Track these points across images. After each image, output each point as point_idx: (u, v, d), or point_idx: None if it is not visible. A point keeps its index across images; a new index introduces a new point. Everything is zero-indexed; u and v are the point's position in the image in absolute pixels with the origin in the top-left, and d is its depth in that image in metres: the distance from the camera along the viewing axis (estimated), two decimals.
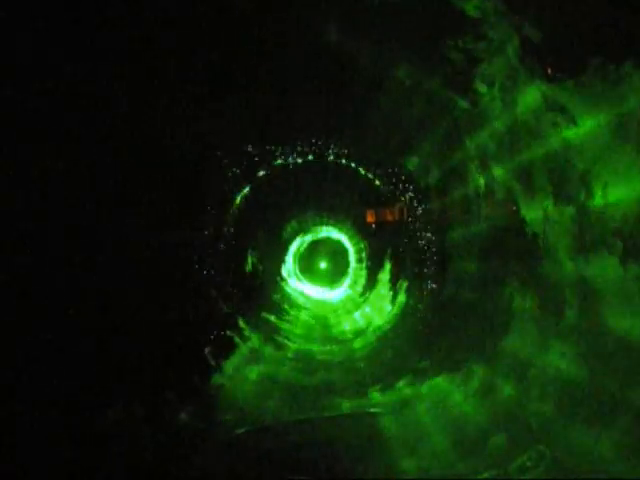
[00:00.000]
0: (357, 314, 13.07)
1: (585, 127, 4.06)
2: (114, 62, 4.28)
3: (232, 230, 9.68)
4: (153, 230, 5.77)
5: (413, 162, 8.65)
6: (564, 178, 4.53)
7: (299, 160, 9.43)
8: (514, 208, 5.89)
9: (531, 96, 4.65)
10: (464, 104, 5.89)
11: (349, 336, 11.17)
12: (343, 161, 10.36)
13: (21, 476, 3.65)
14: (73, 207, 4.27)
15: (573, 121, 4.17)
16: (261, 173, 9.86)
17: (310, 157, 9.42)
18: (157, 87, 4.96)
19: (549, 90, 4.32)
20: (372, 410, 6.24)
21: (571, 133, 4.24)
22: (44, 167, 3.96)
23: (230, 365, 7.76)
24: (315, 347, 10.23)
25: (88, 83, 4.15)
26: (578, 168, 4.23)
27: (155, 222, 5.79)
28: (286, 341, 10.08)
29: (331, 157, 9.67)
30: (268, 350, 9.32)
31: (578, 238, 4.40)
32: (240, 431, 5.60)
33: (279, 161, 9.67)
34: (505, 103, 5.18)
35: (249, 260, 11.18)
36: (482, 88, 5.41)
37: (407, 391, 6.58)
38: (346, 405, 6.44)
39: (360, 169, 10.75)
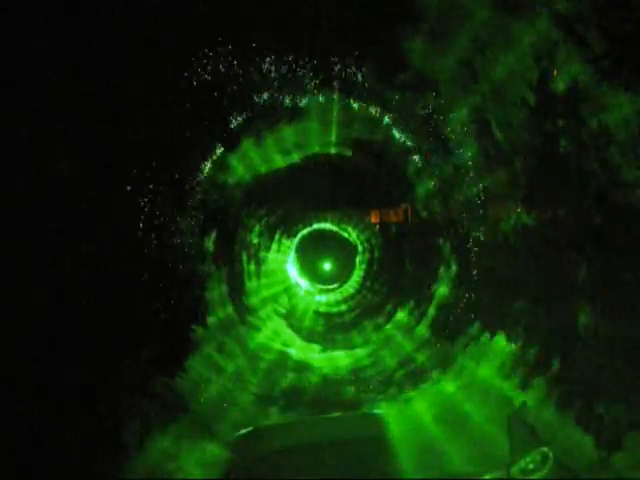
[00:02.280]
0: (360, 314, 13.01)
1: (615, 116, 3.84)
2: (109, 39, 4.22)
3: (230, 223, 9.62)
4: (151, 223, 5.77)
5: (419, 159, 8.54)
6: (589, 174, 4.34)
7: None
8: (518, 210, 5.83)
9: (554, 85, 4.42)
10: (475, 97, 5.68)
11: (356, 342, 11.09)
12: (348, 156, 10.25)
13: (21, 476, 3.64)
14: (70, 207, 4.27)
15: (602, 110, 3.95)
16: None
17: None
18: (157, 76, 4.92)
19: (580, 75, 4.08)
20: (375, 411, 6.22)
21: (598, 123, 4.02)
22: (43, 167, 3.95)
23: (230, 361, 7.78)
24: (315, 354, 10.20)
25: (84, 77, 4.13)
26: (609, 161, 4.00)
27: (152, 215, 5.79)
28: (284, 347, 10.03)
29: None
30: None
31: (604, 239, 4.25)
32: (242, 432, 5.58)
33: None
34: (520, 95, 4.94)
35: (244, 254, 11.09)
36: (497, 76, 5.15)
37: (410, 392, 6.57)
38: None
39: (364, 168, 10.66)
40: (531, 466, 2.53)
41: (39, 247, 4.00)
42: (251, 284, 11.40)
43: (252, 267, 11.69)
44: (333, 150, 9.90)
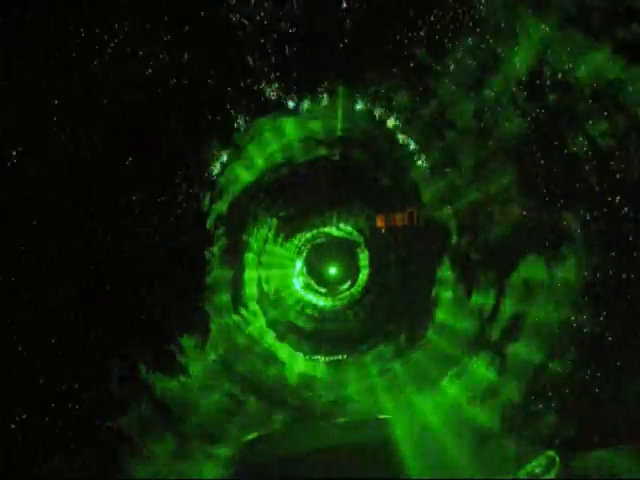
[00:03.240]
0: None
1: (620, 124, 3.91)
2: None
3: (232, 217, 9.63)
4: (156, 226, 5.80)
5: (425, 163, 8.50)
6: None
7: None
8: (524, 212, 5.83)
9: (555, 90, 4.54)
10: (487, 93, 5.66)
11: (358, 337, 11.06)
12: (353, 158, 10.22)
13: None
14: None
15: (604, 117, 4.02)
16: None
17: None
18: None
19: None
20: (382, 416, 6.22)
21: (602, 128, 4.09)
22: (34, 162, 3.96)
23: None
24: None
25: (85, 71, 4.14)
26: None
27: (157, 219, 5.82)
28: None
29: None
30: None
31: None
32: (249, 437, 5.59)
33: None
34: (524, 97, 5.01)
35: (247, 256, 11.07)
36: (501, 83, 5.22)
37: (415, 396, 6.56)
38: None
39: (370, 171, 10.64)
40: (537, 470, 2.53)
41: (40, 247, 4.02)
42: (251, 289, 11.37)
43: (254, 272, 11.66)
44: (338, 150, 9.78)
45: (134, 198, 5.35)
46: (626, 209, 4.14)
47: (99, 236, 4.79)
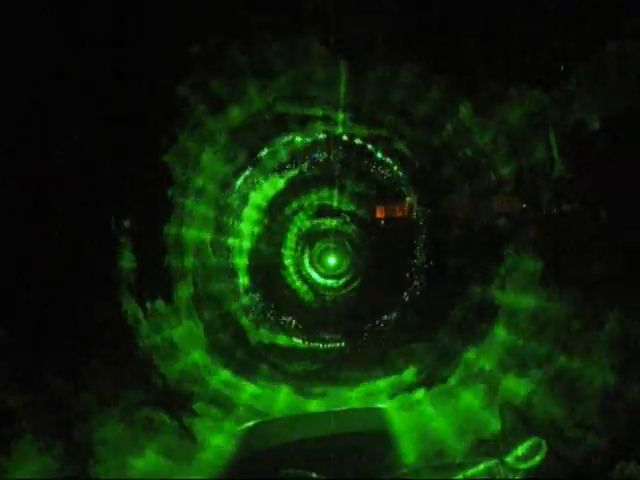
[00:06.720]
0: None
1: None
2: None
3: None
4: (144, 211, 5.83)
5: (422, 156, 8.53)
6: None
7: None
8: (524, 205, 5.84)
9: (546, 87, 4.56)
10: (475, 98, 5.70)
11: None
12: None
13: None
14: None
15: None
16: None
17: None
18: None
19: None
20: (379, 405, 6.28)
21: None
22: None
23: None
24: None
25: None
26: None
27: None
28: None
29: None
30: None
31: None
32: (247, 425, 5.64)
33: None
34: (518, 94, 5.04)
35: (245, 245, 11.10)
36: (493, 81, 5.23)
37: (413, 386, 6.61)
38: None
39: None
40: (520, 452, 2.54)
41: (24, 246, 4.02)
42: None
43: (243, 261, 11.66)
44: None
45: None
46: None
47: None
